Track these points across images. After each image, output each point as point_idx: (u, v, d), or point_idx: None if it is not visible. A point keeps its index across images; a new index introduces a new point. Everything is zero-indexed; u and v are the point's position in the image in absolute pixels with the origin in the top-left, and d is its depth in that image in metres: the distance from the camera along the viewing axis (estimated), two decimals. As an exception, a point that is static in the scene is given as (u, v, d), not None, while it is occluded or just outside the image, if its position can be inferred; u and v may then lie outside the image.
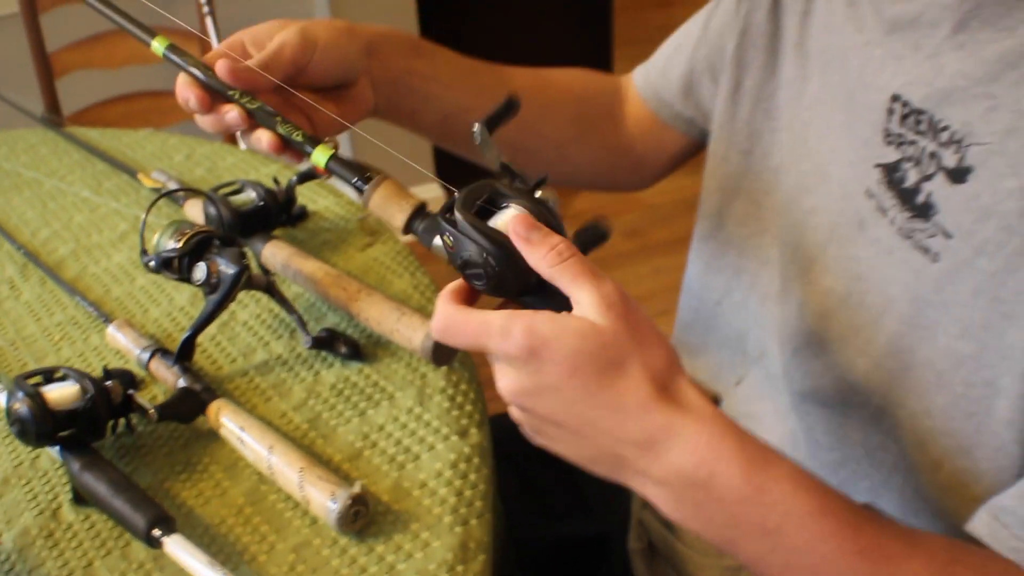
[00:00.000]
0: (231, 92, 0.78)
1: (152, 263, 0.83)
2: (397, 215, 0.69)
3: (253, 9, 2.58)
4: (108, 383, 0.76)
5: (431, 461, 0.76)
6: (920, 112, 0.70)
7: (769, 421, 0.90)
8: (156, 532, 0.68)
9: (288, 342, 0.90)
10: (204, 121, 0.80)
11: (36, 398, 0.72)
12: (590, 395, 0.59)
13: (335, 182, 0.89)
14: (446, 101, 0.93)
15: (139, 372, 0.87)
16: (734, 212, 0.94)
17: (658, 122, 1.05)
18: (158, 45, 0.82)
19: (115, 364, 0.90)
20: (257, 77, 0.78)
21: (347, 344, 0.86)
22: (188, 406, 0.80)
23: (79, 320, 0.98)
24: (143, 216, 0.82)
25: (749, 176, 0.91)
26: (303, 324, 0.86)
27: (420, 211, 0.69)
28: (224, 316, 0.94)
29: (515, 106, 0.70)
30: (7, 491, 0.78)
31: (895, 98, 0.73)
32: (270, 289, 0.87)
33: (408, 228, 0.69)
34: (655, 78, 1.05)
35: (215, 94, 0.79)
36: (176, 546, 0.67)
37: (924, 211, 0.69)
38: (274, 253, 0.94)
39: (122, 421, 0.79)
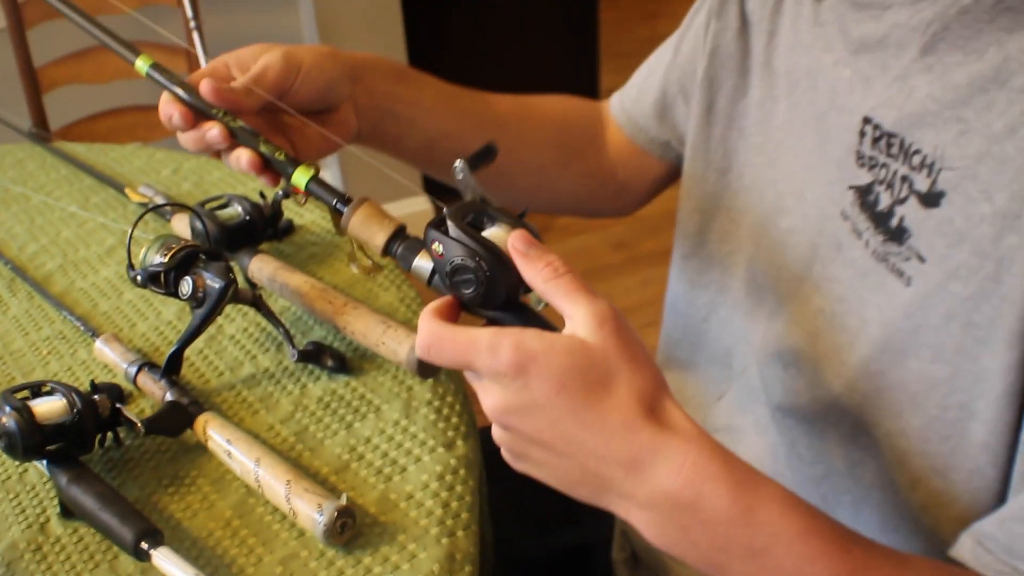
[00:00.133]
0: (214, 111, 0.78)
1: (139, 278, 0.83)
2: (377, 235, 0.69)
3: (240, 24, 2.60)
4: (96, 397, 0.77)
5: (417, 473, 0.76)
6: (891, 135, 0.70)
7: (750, 434, 0.91)
8: (144, 545, 0.68)
9: (275, 355, 0.91)
10: (185, 138, 0.80)
11: (23, 412, 0.73)
12: (576, 414, 0.59)
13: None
14: (429, 127, 0.93)
15: (127, 386, 0.87)
16: (715, 230, 0.94)
17: (636, 148, 1.05)
18: (142, 64, 0.82)
19: (103, 378, 0.90)
20: (240, 99, 0.78)
21: (333, 357, 0.87)
22: (175, 420, 0.80)
23: (67, 335, 0.98)
24: (130, 231, 0.83)
25: (728, 195, 0.92)
26: (290, 337, 0.87)
27: (399, 233, 0.69)
28: (211, 330, 0.94)
29: (492, 153, 0.70)
30: (-5, 505, 0.79)
31: (867, 120, 0.73)
32: (257, 303, 0.87)
33: (387, 250, 0.69)
34: (629, 105, 1.05)
35: (198, 112, 0.79)
36: (164, 559, 0.67)
37: (898, 235, 0.69)
38: (260, 267, 0.95)
39: (110, 435, 0.80)
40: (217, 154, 0.80)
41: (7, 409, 0.73)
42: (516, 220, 0.65)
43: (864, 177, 0.73)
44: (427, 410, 0.82)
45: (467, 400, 0.84)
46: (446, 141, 0.93)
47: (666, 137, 1.02)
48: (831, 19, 0.78)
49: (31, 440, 0.73)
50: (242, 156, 0.77)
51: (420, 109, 0.92)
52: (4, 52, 2.02)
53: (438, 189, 0.94)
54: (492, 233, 0.64)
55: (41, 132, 1.42)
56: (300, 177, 0.74)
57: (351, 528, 0.70)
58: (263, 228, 0.99)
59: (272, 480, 0.72)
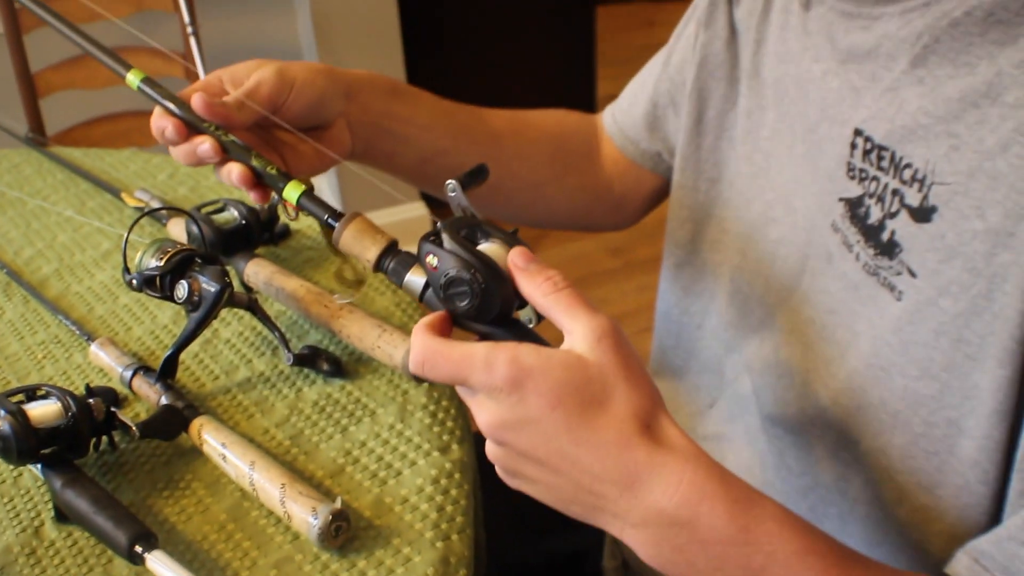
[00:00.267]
0: (205, 124, 0.78)
1: (134, 281, 0.83)
2: (369, 250, 0.68)
3: (237, 29, 2.60)
4: (90, 400, 0.77)
5: (412, 477, 0.76)
6: (882, 148, 0.70)
7: (740, 443, 0.91)
8: (138, 549, 0.68)
9: (270, 359, 0.91)
10: (177, 152, 0.80)
11: (18, 415, 0.72)
12: (571, 430, 0.58)
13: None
14: (424, 144, 0.93)
15: (122, 390, 0.87)
16: (707, 239, 0.94)
17: (629, 161, 1.05)
18: (133, 77, 0.81)
19: (98, 382, 0.90)
20: (231, 113, 0.78)
21: (329, 361, 0.87)
22: (170, 423, 0.80)
23: (62, 339, 0.98)
24: (126, 234, 0.83)
25: (719, 204, 0.92)
26: (285, 341, 0.87)
27: (391, 248, 0.69)
28: (207, 334, 0.94)
29: (484, 173, 0.70)
30: (-11, 509, 0.78)
31: (858, 132, 0.72)
32: (252, 307, 0.87)
33: (379, 265, 0.69)
34: (621, 117, 1.05)
35: (189, 126, 0.79)
36: (158, 563, 0.67)
37: (889, 249, 0.69)
38: (256, 271, 0.95)
39: (105, 439, 0.79)
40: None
41: (1, 412, 0.73)
42: (509, 236, 0.65)
43: (854, 190, 0.73)
44: (422, 414, 0.82)
45: (462, 404, 0.84)
46: (441, 158, 0.93)
47: (657, 148, 1.02)
48: (819, 28, 0.78)
49: (25, 444, 0.72)
50: (233, 170, 0.77)
51: (415, 126, 0.92)
52: (1, 57, 2.02)
53: (434, 196, 0.94)
54: (486, 248, 0.64)
55: (37, 137, 1.42)
56: (291, 192, 0.74)
57: (346, 532, 0.70)
58: (259, 232, 1.00)
59: (267, 484, 0.72)
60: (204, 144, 0.77)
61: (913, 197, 0.67)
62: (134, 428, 0.77)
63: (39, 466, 0.75)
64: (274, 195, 0.98)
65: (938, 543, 0.70)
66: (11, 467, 0.82)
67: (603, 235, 2.99)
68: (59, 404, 0.75)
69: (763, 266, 0.85)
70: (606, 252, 2.94)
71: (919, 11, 0.68)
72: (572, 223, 1.11)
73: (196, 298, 0.82)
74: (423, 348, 0.62)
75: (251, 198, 0.79)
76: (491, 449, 0.63)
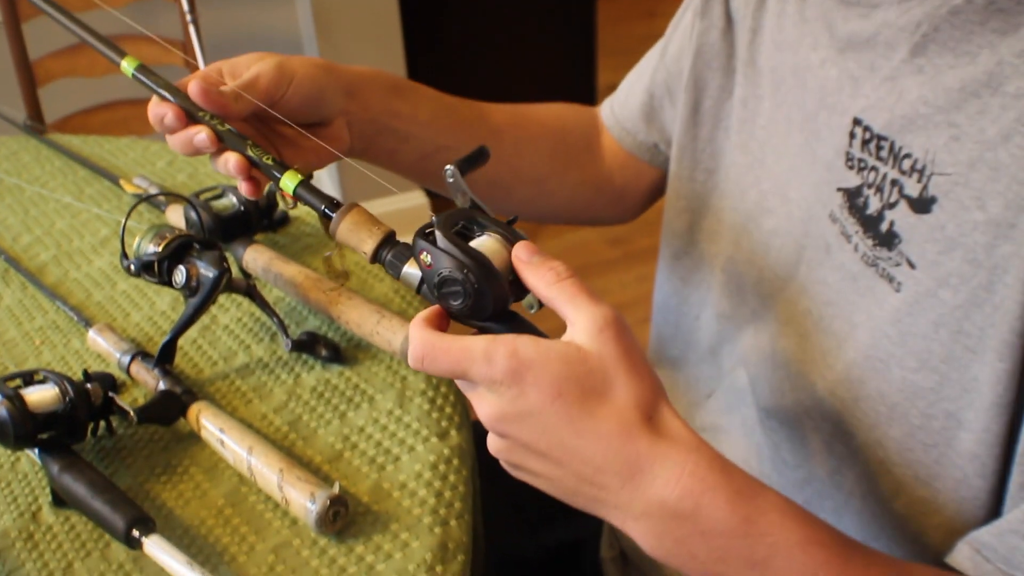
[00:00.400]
0: (201, 114, 0.76)
1: (132, 267, 0.83)
2: (366, 243, 0.68)
3: (237, 17, 2.59)
4: (88, 386, 0.77)
5: (411, 463, 0.76)
6: (882, 138, 0.69)
7: (736, 434, 0.90)
8: (136, 533, 0.68)
9: (269, 345, 0.90)
10: (174, 140, 0.78)
11: (15, 400, 0.72)
12: (572, 422, 0.58)
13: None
14: (425, 141, 0.92)
15: (120, 375, 0.87)
16: (704, 229, 0.94)
17: (628, 154, 1.05)
18: (127, 65, 0.81)
19: (96, 368, 0.90)
20: (228, 103, 0.76)
21: (327, 347, 0.86)
22: (168, 408, 0.80)
23: (60, 325, 0.98)
24: (124, 220, 0.82)
25: (716, 194, 0.91)
26: (283, 327, 0.87)
27: (389, 240, 0.68)
28: (205, 320, 0.94)
29: (485, 155, 0.69)
30: (-13, 494, 0.78)
31: (856, 122, 0.71)
32: (251, 292, 0.87)
33: (376, 257, 0.69)
34: (618, 109, 1.05)
35: (186, 115, 0.77)
36: (156, 547, 0.67)
37: (888, 240, 0.68)
38: (255, 257, 0.95)
39: (102, 424, 0.79)
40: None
41: (-1, 397, 0.73)
42: (506, 228, 0.64)
43: (853, 180, 0.72)
44: (421, 400, 0.82)
45: (461, 391, 0.84)
46: (442, 154, 0.92)
47: (653, 140, 1.02)
48: (817, 15, 0.77)
49: (23, 428, 0.72)
50: (230, 159, 0.75)
51: (416, 124, 0.91)
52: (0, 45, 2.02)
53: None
54: (481, 243, 0.63)
55: (36, 124, 1.41)
56: (288, 182, 0.73)
57: (344, 517, 0.70)
58: (258, 219, 0.99)
59: (265, 469, 0.72)
60: (200, 133, 0.76)
61: (912, 188, 0.66)
62: (132, 413, 0.77)
63: (37, 451, 0.75)
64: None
65: (936, 537, 0.70)
66: (9, 452, 0.81)
67: (603, 226, 2.99)
68: (56, 389, 0.75)
69: (757, 256, 0.85)
70: (605, 242, 2.94)
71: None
72: (574, 217, 1.11)
73: (194, 283, 0.82)
74: (422, 343, 0.62)
75: (243, 189, 0.77)
76: (493, 442, 0.63)
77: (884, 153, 0.69)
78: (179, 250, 0.83)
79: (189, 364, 0.90)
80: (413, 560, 0.68)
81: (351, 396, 0.83)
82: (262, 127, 0.80)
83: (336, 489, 0.70)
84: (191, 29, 1.94)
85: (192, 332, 0.92)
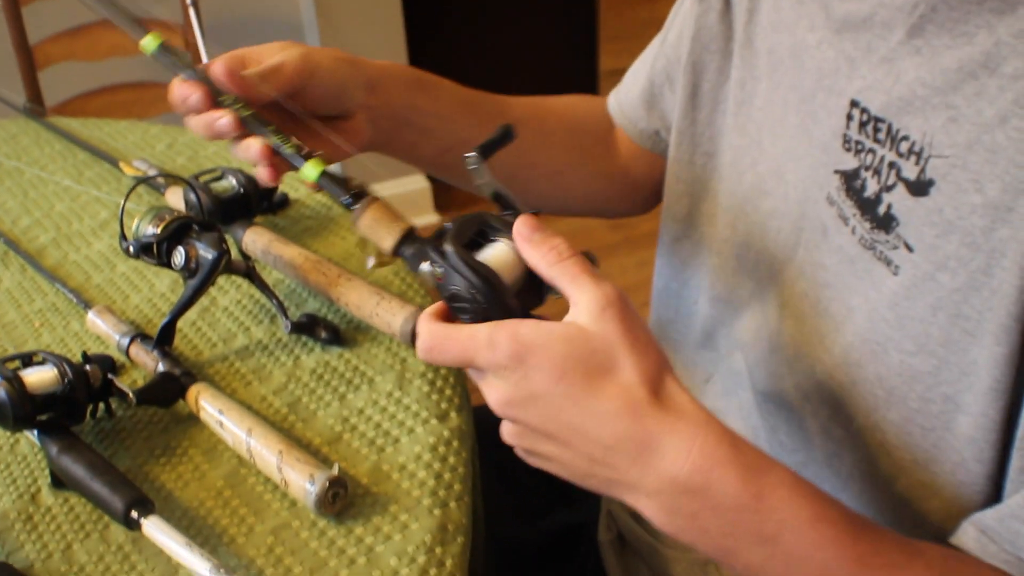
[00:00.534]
0: (223, 97, 0.76)
1: (131, 248, 0.83)
2: (386, 238, 0.68)
3: (238, 2, 2.58)
4: (87, 367, 0.76)
5: (410, 444, 0.76)
6: (879, 120, 0.68)
7: (734, 418, 0.90)
8: (134, 514, 0.68)
9: (268, 327, 0.90)
10: (195, 122, 0.78)
11: (14, 381, 0.72)
12: (577, 401, 0.59)
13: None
14: (445, 134, 0.92)
15: (119, 357, 0.87)
16: (703, 213, 0.93)
17: (634, 143, 1.05)
18: (150, 42, 0.80)
19: (95, 350, 0.90)
20: (252, 88, 0.76)
21: (327, 329, 0.86)
22: (167, 390, 0.80)
23: (60, 307, 0.98)
24: (123, 201, 0.82)
25: (715, 178, 0.91)
26: (283, 309, 0.86)
27: (409, 235, 0.68)
28: (204, 302, 0.94)
29: (511, 134, 0.69)
30: (-14, 475, 0.78)
31: (854, 104, 0.71)
32: (250, 274, 0.87)
33: (396, 252, 0.69)
34: (623, 98, 1.04)
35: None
36: (154, 528, 0.67)
37: (886, 223, 0.68)
38: (254, 239, 0.94)
39: (101, 405, 0.79)
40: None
41: (-2, 378, 0.72)
42: None
43: (850, 162, 0.71)
44: (420, 382, 0.82)
45: (460, 372, 0.84)
46: (462, 148, 0.91)
47: (655, 127, 1.01)
48: None
49: (22, 410, 0.72)
50: (252, 145, 0.76)
51: (437, 118, 0.91)
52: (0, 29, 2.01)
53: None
54: (494, 253, 0.64)
55: (35, 107, 1.41)
56: (310, 170, 0.72)
57: (343, 498, 0.70)
58: (258, 201, 0.99)
59: (264, 450, 0.72)
60: (224, 117, 0.76)
61: (910, 170, 0.66)
62: (131, 395, 0.77)
63: (36, 433, 0.75)
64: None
65: (934, 520, 0.70)
66: (8, 433, 0.81)
67: (604, 210, 2.99)
68: (55, 371, 0.75)
69: (755, 239, 0.84)
70: (606, 226, 2.93)
71: None
72: (591, 210, 1.10)
73: (193, 265, 0.82)
74: (429, 334, 0.63)
75: (262, 175, 0.77)
76: (505, 429, 0.64)
77: (881, 135, 0.68)
78: (178, 232, 0.83)
79: (188, 346, 0.90)
80: (412, 542, 0.68)
81: (351, 378, 0.83)
82: (282, 117, 0.80)
83: (335, 471, 0.70)
84: (191, 12, 1.94)
85: (191, 314, 0.92)
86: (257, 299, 0.94)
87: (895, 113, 0.67)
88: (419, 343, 0.63)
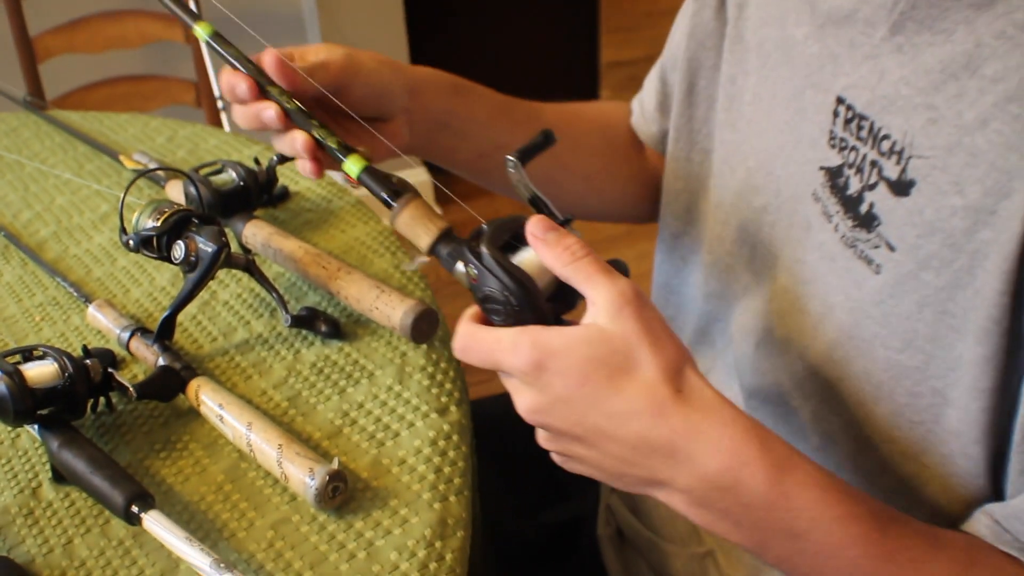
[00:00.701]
0: (270, 88, 0.77)
1: (131, 242, 0.83)
2: (423, 236, 0.69)
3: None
4: (87, 361, 0.76)
5: (410, 438, 0.76)
6: (863, 118, 0.68)
7: None
8: (135, 509, 0.68)
9: (268, 321, 0.90)
10: (242, 113, 0.79)
11: (15, 376, 0.72)
12: (602, 404, 0.59)
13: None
14: (482, 139, 0.93)
15: (120, 351, 0.87)
16: (702, 209, 0.94)
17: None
18: (201, 30, 0.81)
19: (96, 344, 0.90)
20: (299, 82, 0.77)
21: (327, 323, 0.86)
22: (168, 384, 0.80)
23: (60, 301, 0.98)
24: (123, 195, 0.82)
25: (714, 174, 0.91)
26: (283, 303, 0.86)
27: (446, 235, 0.69)
28: (205, 296, 0.94)
29: (551, 139, 0.70)
30: (-14, 470, 0.78)
31: (840, 100, 0.71)
32: (250, 268, 0.87)
33: (432, 251, 0.70)
34: (644, 101, 1.05)
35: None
36: (155, 523, 0.67)
37: (868, 221, 0.68)
38: (255, 233, 0.94)
39: (102, 400, 0.79)
40: (216, 118, 0.80)
41: (-2, 373, 0.72)
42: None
43: (835, 159, 0.71)
44: (420, 375, 0.82)
45: (460, 367, 0.84)
46: (498, 152, 0.93)
47: (665, 128, 1.01)
48: None
49: (22, 404, 0.72)
50: (297, 138, 0.77)
51: (474, 123, 0.93)
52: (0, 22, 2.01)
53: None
54: (528, 257, 0.65)
55: (36, 100, 1.41)
56: (352, 166, 0.73)
57: (343, 492, 0.70)
58: (258, 194, 0.99)
59: (264, 444, 0.72)
60: (269, 109, 0.77)
61: (891, 170, 0.65)
62: (131, 389, 0.77)
63: (36, 427, 0.75)
64: (274, 156, 0.99)
65: (923, 512, 0.70)
66: (8, 428, 0.81)
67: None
68: (56, 365, 0.75)
69: (748, 235, 0.84)
70: (608, 219, 2.93)
71: None
72: (625, 214, 1.10)
73: (193, 258, 0.81)
74: (462, 334, 0.64)
75: (305, 169, 0.78)
76: (539, 435, 0.65)
77: (864, 133, 0.68)
78: (177, 225, 0.82)
79: (188, 340, 0.90)
80: (412, 536, 0.68)
81: (350, 372, 0.83)
82: (322, 115, 0.81)
83: (335, 465, 0.70)
84: (192, 4, 1.93)
85: (191, 308, 0.92)
86: (257, 293, 0.94)
87: (878, 111, 0.67)
88: (454, 342, 0.65)
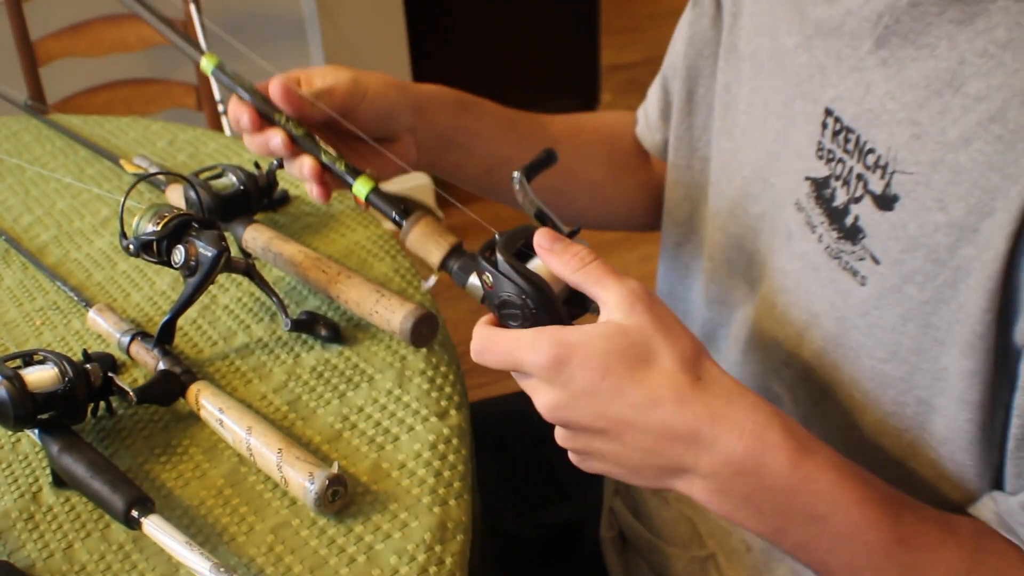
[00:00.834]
0: (277, 116, 0.80)
1: (131, 246, 0.83)
2: (434, 252, 0.71)
3: (239, 1, 2.58)
4: (88, 366, 0.77)
5: (410, 442, 0.76)
6: (850, 131, 0.69)
7: None
8: (135, 513, 0.68)
9: (268, 325, 0.90)
10: (251, 141, 0.82)
11: (15, 380, 0.72)
12: (624, 394, 0.60)
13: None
14: (488, 154, 0.95)
15: (120, 356, 0.87)
16: (703, 217, 0.94)
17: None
18: (207, 64, 0.83)
19: (96, 348, 0.90)
20: (307, 107, 0.79)
21: (327, 327, 0.86)
22: (168, 388, 0.80)
23: (60, 305, 0.98)
24: (123, 199, 0.82)
25: (712, 182, 0.92)
26: (283, 307, 0.87)
27: (456, 250, 0.71)
28: (205, 300, 0.94)
29: (553, 158, 0.72)
30: (-13, 474, 0.78)
31: (828, 112, 0.71)
32: (250, 272, 0.87)
33: (443, 266, 0.71)
34: (648, 111, 1.05)
35: (262, 116, 0.81)
36: (155, 527, 0.67)
37: (853, 234, 0.68)
38: (255, 237, 0.94)
39: (102, 404, 0.79)
40: (217, 123, 0.81)
41: (-2, 377, 0.73)
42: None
43: (822, 170, 0.72)
44: (420, 380, 0.82)
45: (460, 370, 0.84)
46: (505, 167, 0.94)
47: (667, 137, 1.02)
48: None
49: (23, 409, 0.72)
50: (305, 163, 0.79)
51: (480, 139, 0.94)
52: (1, 25, 2.01)
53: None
54: (539, 263, 0.66)
55: (37, 104, 1.41)
56: (361, 187, 0.76)
57: (342, 497, 0.70)
58: (258, 198, 0.99)
59: (264, 449, 0.72)
60: (276, 138, 0.80)
61: (876, 184, 0.66)
62: (131, 393, 0.77)
63: (37, 431, 0.75)
64: (273, 160, 0.99)
65: None
66: (9, 433, 0.81)
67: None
68: (56, 369, 0.75)
69: (746, 242, 0.85)
70: (609, 222, 2.93)
71: None
72: (633, 223, 1.11)
73: (193, 263, 0.82)
74: (479, 336, 0.65)
75: (314, 193, 0.80)
76: (558, 434, 0.66)
77: (851, 146, 0.69)
78: (177, 229, 0.83)
79: (189, 344, 0.90)
80: (412, 540, 0.68)
81: (350, 376, 0.83)
82: (330, 137, 0.82)
83: (335, 469, 0.70)
84: (192, 8, 1.94)
85: (192, 312, 0.92)
86: (257, 297, 0.94)
87: (864, 125, 0.67)
88: (472, 345, 0.65)
